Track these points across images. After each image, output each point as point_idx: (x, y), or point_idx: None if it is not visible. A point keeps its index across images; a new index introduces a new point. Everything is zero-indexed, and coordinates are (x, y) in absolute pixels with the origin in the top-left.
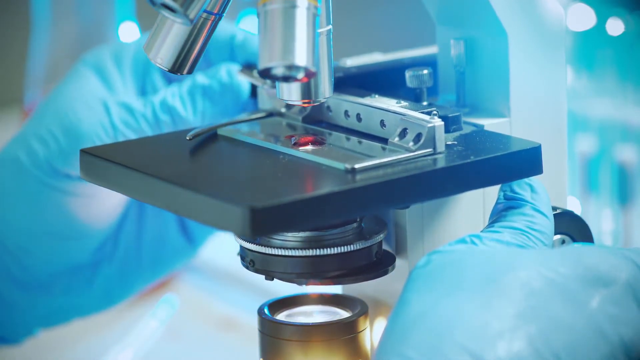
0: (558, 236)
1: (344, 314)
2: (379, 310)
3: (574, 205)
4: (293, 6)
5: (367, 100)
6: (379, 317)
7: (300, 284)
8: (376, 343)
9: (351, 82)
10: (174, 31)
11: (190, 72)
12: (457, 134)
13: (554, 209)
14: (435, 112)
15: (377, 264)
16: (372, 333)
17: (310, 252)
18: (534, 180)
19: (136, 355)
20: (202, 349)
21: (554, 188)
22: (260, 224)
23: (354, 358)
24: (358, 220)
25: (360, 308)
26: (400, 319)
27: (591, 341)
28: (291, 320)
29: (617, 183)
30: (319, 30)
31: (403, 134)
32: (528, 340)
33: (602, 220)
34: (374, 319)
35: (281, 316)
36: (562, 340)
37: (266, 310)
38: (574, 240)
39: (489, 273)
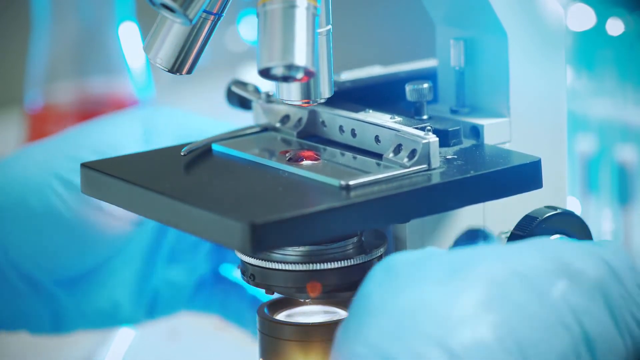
0: (557, 236)
1: (344, 314)
2: None
3: (574, 205)
4: (292, 6)
5: (361, 116)
6: None
7: (300, 298)
8: None
9: (347, 96)
10: (173, 31)
11: (189, 72)
12: (456, 147)
13: (554, 208)
14: (429, 127)
15: None
16: None
17: (310, 267)
18: None
19: (135, 354)
20: (202, 349)
21: (554, 188)
22: (260, 240)
23: None
24: (358, 234)
25: None
26: (361, 309)
27: (553, 330)
28: (291, 320)
29: (617, 183)
30: (319, 30)
31: (398, 149)
32: (491, 328)
33: (602, 220)
34: None
35: (281, 316)
36: (524, 328)
37: (266, 310)
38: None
39: (451, 266)
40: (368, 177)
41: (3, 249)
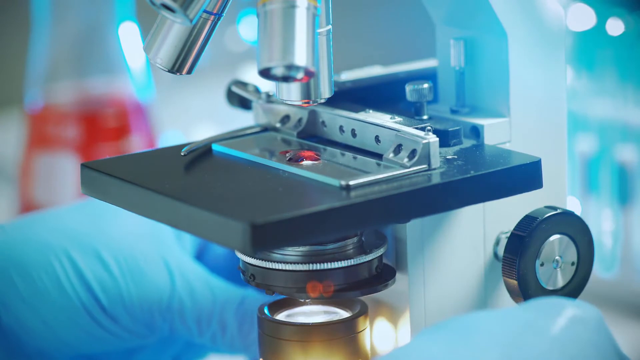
0: (557, 236)
1: (344, 314)
2: (379, 310)
3: (574, 205)
4: (293, 6)
5: (361, 116)
6: (379, 317)
7: (301, 298)
8: (376, 343)
9: (347, 96)
10: (173, 31)
11: (189, 72)
12: (457, 147)
13: (554, 208)
14: (429, 127)
15: (378, 278)
16: (372, 333)
17: (310, 267)
18: None
19: None
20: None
21: (554, 188)
22: (260, 240)
23: (354, 358)
24: (358, 234)
25: (360, 308)
26: None
27: None
28: (291, 320)
29: (617, 183)
30: (319, 30)
31: (398, 149)
32: None
33: (602, 220)
34: (374, 319)
35: (281, 316)
36: None
37: (266, 310)
38: (573, 240)
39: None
40: (368, 177)
41: (17, 322)
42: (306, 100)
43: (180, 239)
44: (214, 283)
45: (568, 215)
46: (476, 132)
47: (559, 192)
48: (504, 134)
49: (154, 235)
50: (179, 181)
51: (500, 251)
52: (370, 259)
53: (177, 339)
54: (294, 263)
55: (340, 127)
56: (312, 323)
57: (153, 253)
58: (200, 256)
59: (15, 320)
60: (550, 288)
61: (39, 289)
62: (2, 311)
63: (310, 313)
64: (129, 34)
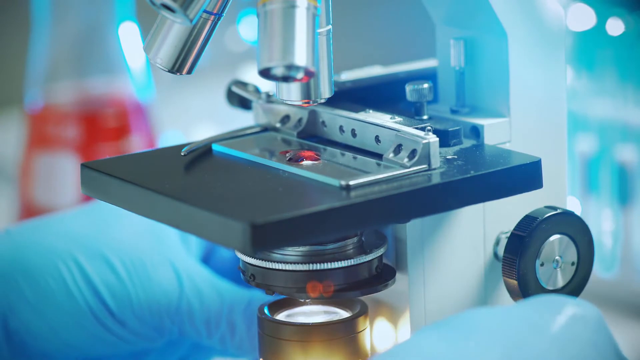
0: (557, 236)
1: (344, 314)
2: (379, 310)
3: (574, 205)
4: (293, 6)
5: (361, 116)
6: (379, 317)
7: (301, 298)
8: (376, 343)
9: (347, 96)
10: (173, 31)
11: (189, 72)
12: (457, 147)
13: (554, 208)
14: (429, 127)
15: (378, 278)
16: (372, 333)
17: (310, 267)
18: None
19: None
20: None
21: (554, 188)
22: (260, 240)
23: (354, 358)
24: (358, 234)
25: (360, 308)
26: None
27: None
28: (291, 320)
29: (617, 183)
30: (319, 31)
31: (398, 149)
32: None
33: (602, 220)
34: (374, 319)
35: (281, 316)
36: None
37: (266, 310)
38: (573, 240)
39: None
40: (368, 177)
41: (21, 324)
42: (306, 100)
43: (186, 242)
44: (221, 285)
45: (568, 215)
46: (476, 132)
47: (559, 192)
48: (504, 134)
49: (160, 239)
50: (179, 181)
51: (500, 251)
52: (370, 259)
53: (183, 341)
54: (294, 263)
55: (340, 127)
56: (312, 323)
57: (160, 256)
58: (206, 259)
59: (22, 325)
60: (550, 288)
61: (46, 294)
62: (9, 316)
63: (310, 313)
64: (129, 34)
